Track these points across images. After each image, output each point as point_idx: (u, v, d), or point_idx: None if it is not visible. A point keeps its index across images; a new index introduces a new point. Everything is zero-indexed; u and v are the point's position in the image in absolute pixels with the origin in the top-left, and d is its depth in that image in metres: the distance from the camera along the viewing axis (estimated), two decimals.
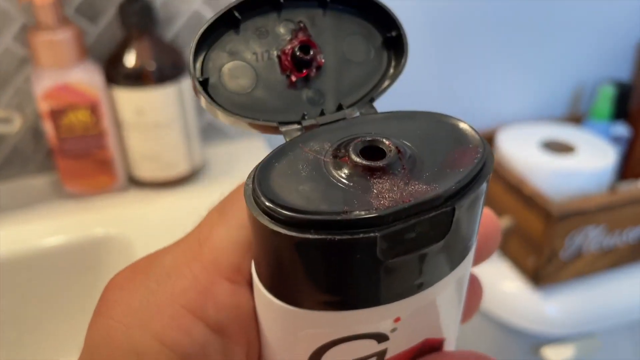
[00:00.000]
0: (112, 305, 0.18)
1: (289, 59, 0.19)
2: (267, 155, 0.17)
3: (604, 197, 0.69)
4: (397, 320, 0.17)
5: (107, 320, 0.18)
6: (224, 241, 0.18)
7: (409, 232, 0.14)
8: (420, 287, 0.16)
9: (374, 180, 0.15)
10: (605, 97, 0.82)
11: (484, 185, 0.16)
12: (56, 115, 0.53)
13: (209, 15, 0.60)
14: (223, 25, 0.19)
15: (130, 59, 0.54)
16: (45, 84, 0.52)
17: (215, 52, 0.19)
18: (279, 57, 0.19)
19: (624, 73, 0.87)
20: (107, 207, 0.56)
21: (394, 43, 0.21)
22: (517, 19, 0.78)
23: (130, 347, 0.17)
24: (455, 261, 0.17)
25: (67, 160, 0.55)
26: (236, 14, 0.19)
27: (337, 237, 0.14)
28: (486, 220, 0.21)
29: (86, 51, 0.54)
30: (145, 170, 0.57)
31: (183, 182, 0.59)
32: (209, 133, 0.65)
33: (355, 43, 0.20)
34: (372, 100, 0.20)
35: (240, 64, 0.19)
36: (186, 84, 0.56)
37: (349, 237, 0.14)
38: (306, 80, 0.20)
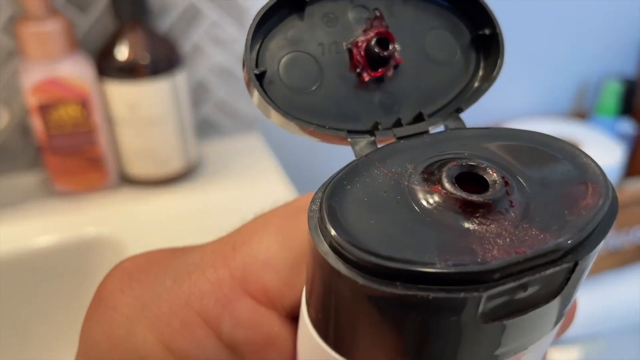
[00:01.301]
0: (118, 295, 0.16)
1: (362, 53, 0.16)
2: (337, 174, 0.14)
3: None
4: None
5: (110, 311, 0.16)
6: (262, 254, 0.16)
7: (520, 290, 0.11)
8: (514, 352, 0.13)
9: (476, 220, 0.12)
10: (611, 93, 0.81)
11: (607, 235, 0.12)
12: (45, 110, 0.50)
13: (206, 5, 0.58)
14: (285, 8, 0.16)
15: (122, 52, 0.51)
16: (33, 77, 0.49)
17: (275, 40, 0.16)
18: (349, 50, 0.16)
19: (629, 69, 0.86)
20: (98, 206, 0.54)
21: (485, 42, 0.17)
22: (522, 14, 0.76)
23: (132, 347, 0.15)
24: (555, 322, 0.13)
25: (57, 157, 0.53)
26: None
27: (432, 295, 0.11)
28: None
29: (76, 43, 0.52)
30: (138, 167, 0.55)
31: (177, 180, 0.57)
32: (205, 129, 0.63)
33: (438, 39, 0.17)
34: (458, 110, 0.17)
35: (303, 56, 0.16)
36: (181, 78, 0.54)
37: (447, 295, 0.11)
38: (379, 81, 0.16)
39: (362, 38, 0.16)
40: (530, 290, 0.11)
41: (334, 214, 0.12)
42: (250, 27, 0.15)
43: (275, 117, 0.16)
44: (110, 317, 0.16)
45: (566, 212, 0.12)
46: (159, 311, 0.15)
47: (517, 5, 0.75)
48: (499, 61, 0.17)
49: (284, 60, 0.16)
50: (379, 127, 0.16)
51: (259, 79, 0.15)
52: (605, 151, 0.73)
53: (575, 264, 0.12)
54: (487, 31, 0.17)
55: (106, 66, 0.52)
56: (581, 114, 0.85)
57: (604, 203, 0.12)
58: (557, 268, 0.11)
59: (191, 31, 0.58)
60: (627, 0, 0.81)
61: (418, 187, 0.13)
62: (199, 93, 0.61)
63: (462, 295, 0.11)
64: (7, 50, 0.53)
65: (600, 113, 0.82)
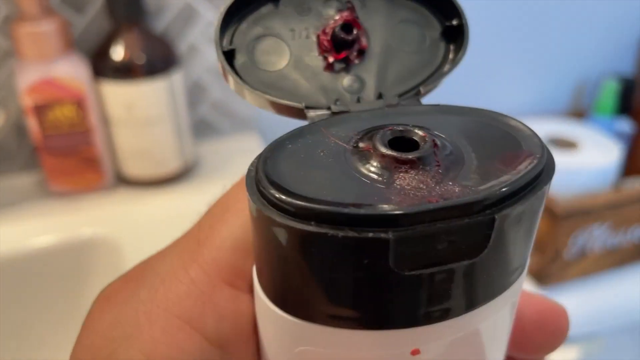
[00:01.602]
0: (98, 318, 0.16)
1: (328, 38, 0.17)
2: (282, 136, 0.15)
3: (609, 195, 0.67)
4: (415, 352, 0.13)
5: (91, 335, 0.16)
6: (226, 240, 0.16)
7: (433, 240, 0.12)
8: (446, 315, 0.13)
9: (400, 175, 0.13)
10: (609, 92, 0.80)
11: (539, 197, 0.13)
12: (41, 110, 0.50)
13: (202, 6, 0.57)
14: None
15: (118, 52, 0.51)
16: (29, 78, 0.49)
17: (248, 24, 0.17)
18: (318, 36, 0.17)
19: (627, 67, 0.85)
20: (94, 206, 0.54)
21: (454, 33, 0.18)
22: (519, 13, 0.76)
23: None
24: (496, 288, 0.13)
25: (53, 157, 0.53)
26: None
27: (341, 234, 0.11)
28: (551, 313, 0.18)
29: (72, 43, 0.51)
30: (134, 167, 0.55)
31: (174, 180, 0.56)
32: (202, 129, 0.63)
33: (409, 30, 0.18)
34: (418, 93, 0.17)
35: (274, 40, 0.17)
36: (177, 78, 0.54)
37: (356, 234, 0.11)
38: (347, 65, 0.17)
39: (330, 25, 0.17)
40: (446, 241, 0.12)
41: (269, 165, 0.13)
42: (222, 9, 0.17)
43: (237, 88, 0.17)
44: (91, 342, 0.16)
45: (494, 174, 0.13)
46: (137, 324, 0.15)
47: (515, 6, 0.75)
48: (462, 48, 0.18)
49: (256, 42, 0.17)
50: (338, 103, 0.17)
51: (228, 56, 0.17)
52: (603, 150, 0.72)
53: (493, 219, 0.12)
54: (454, 22, 0.18)
55: (102, 66, 0.52)
56: (579, 113, 0.85)
57: (534, 166, 0.13)
58: (468, 220, 0.12)
59: (187, 31, 0.58)
60: None
61: (353, 149, 0.14)
62: (195, 93, 0.61)
63: (370, 235, 0.11)
64: (2, 51, 0.53)
65: (598, 112, 0.82)
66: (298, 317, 0.13)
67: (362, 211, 0.11)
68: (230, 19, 0.17)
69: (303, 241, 0.12)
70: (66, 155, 0.53)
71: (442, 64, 0.18)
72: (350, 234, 0.11)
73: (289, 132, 0.15)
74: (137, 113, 0.52)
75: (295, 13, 0.18)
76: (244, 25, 0.17)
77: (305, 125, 0.15)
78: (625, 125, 0.82)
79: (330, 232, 0.11)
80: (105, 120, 0.54)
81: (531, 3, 0.76)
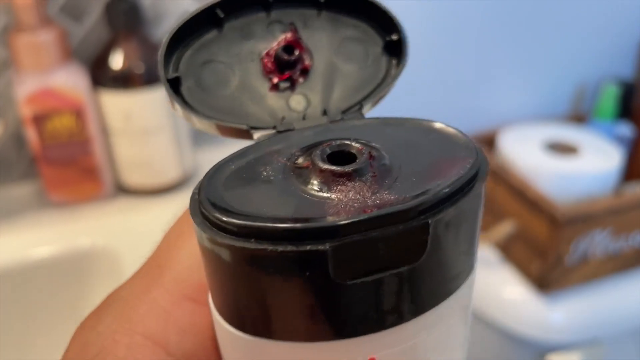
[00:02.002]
0: (70, 347, 0.17)
1: (272, 60, 0.18)
2: (226, 157, 0.15)
3: (610, 200, 0.67)
4: None
5: None
6: (186, 261, 0.17)
7: (370, 248, 0.12)
8: (398, 320, 0.13)
9: (338, 188, 0.13)
10: (609, 96, 0.80)
11: (474, 198, 0.13)
12: (39, 120, 0.50)
13: None
14: (205, 23, 0.18)
15: (117, 61, 0.51)
16: (27, 88, 0.49)
17: (193, 51, 0.18)
18: (262, 59, 0.18)
19: (627, 71, 0.85)
20: (93, 216, 0.53)
21: (394, 48, 0.19)
22: (518, 17, 0.76)
23: None
24: (442, 292, 0.14)
25: (51, 167, 0.52)
26: (219, 12, 0.17)
27: (280, 248, 0.12)
28: None
29: (71, 53, 0.51)
30: (133, 177, 0.55)
31: (174, 190, 0.56)
32: (201, 137, 0.63)
33: (351, 47, 0.19)
34: (361, 107, 0.18)
35: (220, 66, 0.18)
36: None
37: (294, 248, 0.12)
38: (292, 85, 0.18)
39: (274, 47, 0.18)
40: (383, 248, 0.12)
41: (210, 186, 0.14)
42: (165, 38, 0.17)
43: (183, 115, 0.17)
44: None
45: (428, 181, 0.13)
46: (103, 346, 0.16)
47: (514, 9, 0.75)
48: (400, 64, 0.18)
49: (201, 68, 0.17)
50: (282, 122, 0.17)
51: (173, 84, 0.17)
52: (603, 155, 0.72)
53: (427, 224, 0.12)
54: (394, 37, 0.18)
55: (101, 76, 0.51)
56: (579, 118, 0.85)
57: (466, 171, 0.13)
58: (403, 226, 0.12)
59: None
60: (624, 2, 0.81)
61: (293, 165, 0.14)
62: None
63: (307, 248, 0.12)
64: (0, 61, 0.53)
65: (598, 116, 0.82)
66: (250, 334, 0.14)
67: (299, 225, 0.12)
68: (175, 46, 0.17)
69: (245, 258, 0.12)
70: (65, 165, 0.53)
71: (384, 79, 0.19)
72: (289, 248, 0.12)
73: (233, 153, 0.15)
74: (136, 122, 0.52)
75: (239, 37, 0.18)
76: (188, 53, 0.18)
77: (250, 145, 0.16)
78: (625, 129, 0.81)
79: (270, 247, 0.12)
80: (104, 130, 0.53)
81: (531, 7, 0.76)
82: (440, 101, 0.77)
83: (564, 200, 0.67)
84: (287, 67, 0.18)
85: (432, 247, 0.12)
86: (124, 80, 0.51)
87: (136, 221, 0.53)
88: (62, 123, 0.51)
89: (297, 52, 0.18)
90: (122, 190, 0.56)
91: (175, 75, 0.17)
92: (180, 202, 0.55)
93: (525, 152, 0.73)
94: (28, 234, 0.52)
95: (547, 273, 0.67)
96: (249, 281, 0.13)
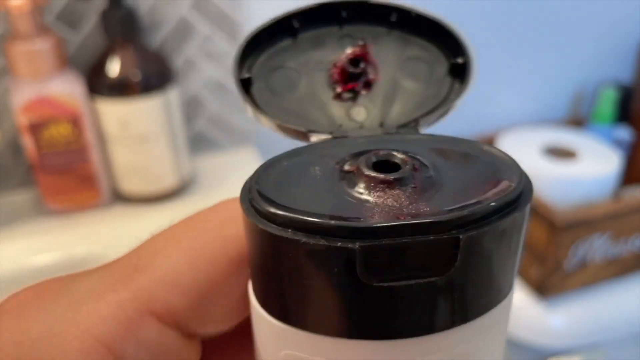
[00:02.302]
0: (1, 334, 0.14)
1: (338, 71, 0.19)
2: (281, 153, 0.16)
3: (609, 205, 0.67)
4: None
5: None
6: (169, 276, 0.15)
7: (399, 253, 0.12)
8: (421, 331, 0.13)
9: (377, 194, 0.14)
10: (608, 100, 0.80)
11: (514, 219, 0.13)
12: (36, 129, 0.50)
13: (197, 20, 0.57)
14: (281, 32, 0.19)
15: (113, 69, 0.51)
16: (23, 96, 0.49)
17: (267, 56, 0.19)
18: (329, 69, 0.19)
19: (625, 75, 0.85)
20: (90, 224, 0.53)
21: (459, 70, 0.19)
22: (517, 21, 0.76)
23: None
24: (477, 306, 0.14)
25: (48, 175, 0.52)
26: (295, 22, 0.19)
27: (313, 241, 0.12)
28: None
29: (67, 61, 0.51)
30: (131, 184, 0.55)
31: (171, 197, 0.56)
32: (198, 144, 0.63)
33: (417, 65, 0.19)
34: (417, 124, 0.18)
35: (290, 71, 0.19)
36: (173, 94, 0.53)
37: (325, 243, 0.12)
38: (355, 96, 0.19)
39: (342, 59, 0.19)
40: (412, 256, 0.12)
41: (262, 177, 0.15)
42: (241, 43, 0.18)
43: (250, 112, 0.18)
44: None
45: (467, 197, 0.13)
46: (50, 343, 0.14)
47: (512, 13, 0.75)
48: (465, 85, 0.19)
49: (272, 72, 0.19)
50: (339, 128, 0.18)
51: (245, 84, 0.18)
52: (602, 159, 0.72)
53: (457, 239, 0.12)
54: (460, 60, 0.19)
55: (97, 83, 0.51)
56: (577, 122, 0.85)
57: (507, 193, 0.13)
58: (434, 237, 0.12)
59: (183, 46, 0.58)
60: (622, 6, 0.81)
61: (341, 168, 0.15)
62: (192, 108, 0.61)
63: (338, 244, 0.12)
64: None
65: (596, 120, 0.82)
66: (280, 321, 0.14)
67: (333, 222, 0.12)
68: (250, 50, 0.18)
69: (280, 246, 0.13)
70: (62, 173, 0.52)
71: (445, 99, 0.19)
72: (321, 242, 0.12)
73: (288, 151, 0.16)
74: (133, 130, 0.52)
75: (310, 47, 0.19)
76: (262, 57, 0.19)
77: (305, 146, 0.17)
78: (624, 133, 0.81)
79: (303, 239, 0.12)
80: (101, 138, 0.53)
81: (529, 11, 0.76)
82: None
83: (562, 204, 0.67)
84: (352, 78, 0.19)
85: (463, 262, 0.13)
86: (121, 88, 0.51)
87: (134, 229, 0.52)
88: (59, 131, 0.51)
89: (362, 65, 0.19)
90: (120, 198, 0.56)
91: (247, 76, 0.18)
92: (178, 209, 0.55)
93: (523, 157, 0.72)
94: (25, 242, 0.51)
95: (546, 278, 0.67)
96: (282, 269, 0.14)
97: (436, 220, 0.12)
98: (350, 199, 0.14)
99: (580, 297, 0.70)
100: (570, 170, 0.70)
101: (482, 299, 0.14)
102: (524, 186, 0.14)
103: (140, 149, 0.53)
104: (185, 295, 0.15)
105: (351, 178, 0.15)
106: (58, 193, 0.53)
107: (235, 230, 0.16)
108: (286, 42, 0.19)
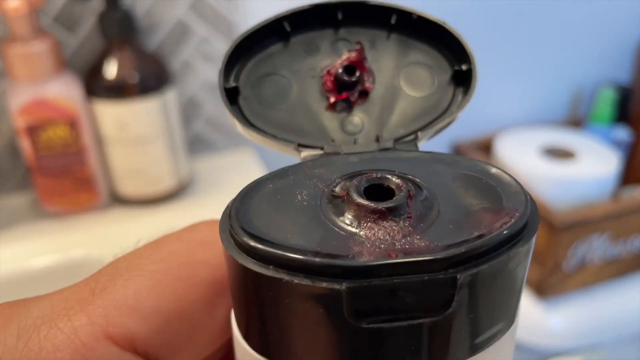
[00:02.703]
0: None
1: (332, 79, 0.17)
2: (266, 174, 0.15)
3: (608, 205, 0.67)
4: None
5: None
6: (130, 300, 0.14)
7: (390, 294, 0.11)
8: None
9: (368, 225, 0.13)
10: (606, 101, 0.80)
11: (517, 255, 0.12)
12: (33, 131, 0.50)
13: (195, 22, 0.57)
14: (271, 36, 0.18)
15: (111, 71, 0.51)
16: (21, 98, 0.49)
17: (256, 62, 0.18)
18: (322, 76, 0.18)
19: (623, 76, 0.85)
20: (88, 226, 0.53)
21: (463, 78, 0.18)
22: (515, 21, 0.76)
23: None
24: (473, 346, 0.13)
25: (46, 178, 0.52)
26: (286, 25, 0.17)
27: (296, 281, 0.11)
28: None
29: (64, 63, 0.51)
30: (129, 186, 0.55)
31: (169, 199, 0.56)
32: (196, 145, 0.63)
33: (417, 72, 0.18)
34: (416, 137, 0.17)
35: (280, 79, 0.18)
36: (171, 96, 0.53)
37: (310, 283, 0.11)
38: (349, 106, 0.17)
39: (336, 66, 0.18)
40: (405, 296, 0.11)
41: (243, 204, 0.13)
42: (228, 48, 0.17)
43: (237, 126, 0.17)
44: None
45: (467, 230, 0.12)
46: None
47: (510, 13, 0.75)
48: (469, 93, 0.17)
49: (260, 79, 0.17)
50: (332, 143, 0.17)
51: (230, 93, 0.17)
52: (601, 159, 0.72)
53: (454, 279, 0.11)
54: (463, 67, 0.18)
55: (95, 86, 0.51)
56: (576, 122, 0.85)
57: (511, 225, 0.12)
58: (429, 277, 0.11)
59: (180, 48, 0.58)
60: (621, 6, 0.80)
61: (330, 193, 0.14)
62: (190, 109, 0.61)
63: (323, 285, 0.11)
64: None
65: (595, 121, 0.82)
66: (263, 356, 0.13)
67: (317, 260, 0.11)
68: (238, 56, 0.17)
69: (260, 284, 0.12)
70: (60, 176, 0.52)
71: (447, 109, 0.18)
72: (305, 281, 0.11)
73: (274, 171, 0.15)
74: (130, 132, 0.52)
75: (303, 52, 0.18)
76: (251, 63, 0.17)
77: (291, 165, 0.15)
78: (622, 133, 0.81)
79: (286, 277, 0.11)
80: (99, 140, 0.53)
81: (527, 11, 0.76)
82: None
83: (561, 205, 0.67)
84: (347, 87, 0.17)
85: (460, 302, 0.12)
86: (118, 90, 0.51)
87: (131, 231, 0.52)
88: (57, 133, 0.51)
89: (358, 74, 0.17)
90: (117, 200, 0.56)
91: (234, 84, 0.17)
92: (176, 212, 0.55)
93: (522, 157, 0.72)
94: (23, 245, 0.51)
95: (545, 279, 0.67)
96: (263, 306, 0.13)
97: (431, 258, 0.11)
98: (338, 230, 0.13)
99: (580, 297, 0.70)
100: (569, 171, 0.70)
101: (482, 335, 0.13)
102: (530, 215, 0.13)
103: (138, 151, 0.53)
104: (146, 320, 0.15)
105: (340, 205, 0.13)
106: (56, 195, 0.53)
107: (205, 255, 0.15)
108: (277, 47, 0.18)
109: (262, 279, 0.12)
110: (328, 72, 0.18)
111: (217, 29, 0.58)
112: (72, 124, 0.50)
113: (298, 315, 0.12)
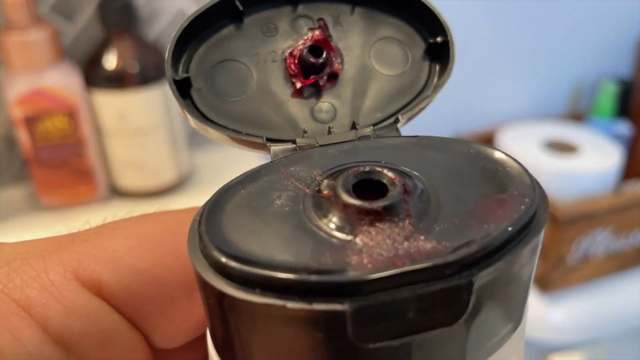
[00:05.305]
0: None
1: (295, 61, 0.16)
2: (235, 178, 0.13)
3: (611, 199, 0.67)
4: None
5: None
6: (108, 253, 0.14)
7: (399, 308, 0.10)
8: None
9: (363, 229, 0.11)
10: (607, 95, 0.80)
11: (529, 248, 0.11)
12: (31, 122, 0.49)
13: None
14: (223, 17, 0.16)
15: (110, 60, 0.50)
16: (18, 88, 0.48)
17: (207, 48, 0.16)
18: (284, 59, 0.16)
19: (624, 69, 0.85)
20: (86, 219, 0.52)
21: (439, 52, 0.16)
22: (516, 15, 0.75)
23: None
24: (482, 351, 0.12)
25: (44, 170, 0.51)
26: (238, 4, 0.15)
27: (289, 305, 0.10)
28: None
29: (63, 52, 0.50)
30: (128, 179, 0.54)
31: (169, 192, 0.55)
32: (197, 138, 0.62)
33: (388, 48, 0.16)
34: (397, 121, 0.16)
35: (236, 65, 0.16)
36: None
37: (306, 306, 0.10)
38: (318, 91, 0.16)
39: (299, 47, 0.16)
40: (415, 309, 0.10)
41: (213, 217, 0.12)
42: (175, 33, 0.15)
43: (192, 122, 0.15)
44: None
45: (473, 224, 0.11)
46: None
47: (512, 8, 0.74)
48: (447, 69, 0.16)
49: (214, 68, 0.16)
50: (305, 135, 0.15)
51: (180, 85, 0.15)
52: (603, 153, 0.72)
53: (470, 283, 0.10)
54: (439, 39, 0.16)
55: (94, 76, 0.50)
56: (577, 116, 0.84)
57: (521, 215, 0.11)
58: (441, 285, 0.10)
59: None
60: (621, 0, 0.80)
61: (314, 194, 0.12)
62: None
63: (322, 307, 0.10)
64: None
65: (596, 115, 0.81)
66: None
67: (312, 278, 0.10)
68: (187, 42, 0.15)
69: (246, 311, 0.10)
70: (58, 168, 0.51)
71: (425, 87, 0.16)
72: (299, 305, 0.10)
73: (243, 174, 0.13)
74: (130, 123, 0.51)
75: (260, 34, 0.16)
76: (202, 50, 0.16)
77: (263, 165, 0.13)
78: (624, 127, 0.81)
79: (277, 303, 0.10)
80: (98, 131, 0.52)
81: (529, 5, 0.75)
82: (438, 100, 0.76)
83: (563, 199, 0.67)
84: (313, 70, 0.16)
85: (474, 308, 0.10)
86: (118, 80, 0.50)
87: None
88: (55, 124, 0.50)
89: (325, 54, 0.16)
90: (117, 192, 0.55)
91: (184, 75, 0.15)
92: (176, 205, 0.54)
93: (524, 151, 0.72)
94: (19, 238, 0.50)
95: (548, 273, 0.66)
96: (252, 335, 0.11)
97: (442, 262, 0.10)
98: (329, 238, 0.11)
99: (583, 291, 0.69)
100: (571, 165, 0.70)
101: (496, 336, 0.12)
102: (539, 201, 0.12)
103: (137, 143, 0.52)
104: (118, 274, 0.14)
105: (326, 207, 0.12)
106: (53, 188, 0.52)
107: None
108: (229, 29, 0.16)
109: (247, 306, 0.10)
110: (291, 55, 0.16)
111: None
112: (71, 114, 0.49)
113: (293, 344, 0.11)
